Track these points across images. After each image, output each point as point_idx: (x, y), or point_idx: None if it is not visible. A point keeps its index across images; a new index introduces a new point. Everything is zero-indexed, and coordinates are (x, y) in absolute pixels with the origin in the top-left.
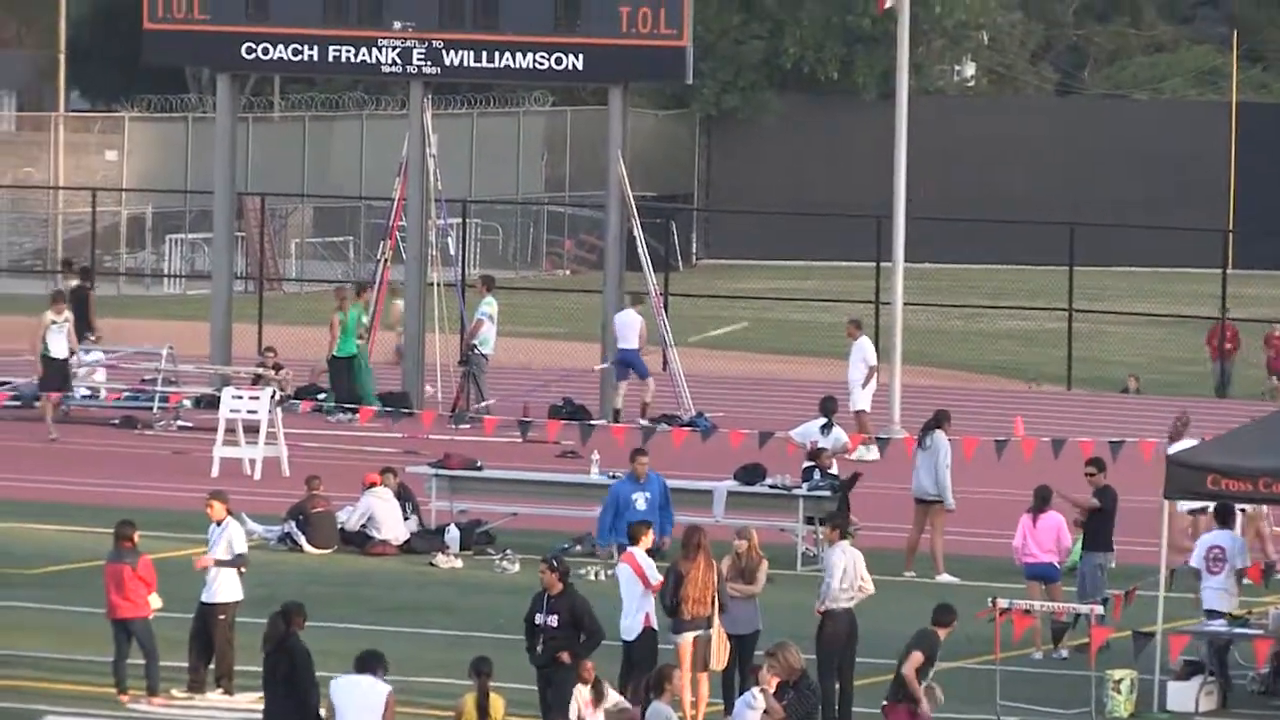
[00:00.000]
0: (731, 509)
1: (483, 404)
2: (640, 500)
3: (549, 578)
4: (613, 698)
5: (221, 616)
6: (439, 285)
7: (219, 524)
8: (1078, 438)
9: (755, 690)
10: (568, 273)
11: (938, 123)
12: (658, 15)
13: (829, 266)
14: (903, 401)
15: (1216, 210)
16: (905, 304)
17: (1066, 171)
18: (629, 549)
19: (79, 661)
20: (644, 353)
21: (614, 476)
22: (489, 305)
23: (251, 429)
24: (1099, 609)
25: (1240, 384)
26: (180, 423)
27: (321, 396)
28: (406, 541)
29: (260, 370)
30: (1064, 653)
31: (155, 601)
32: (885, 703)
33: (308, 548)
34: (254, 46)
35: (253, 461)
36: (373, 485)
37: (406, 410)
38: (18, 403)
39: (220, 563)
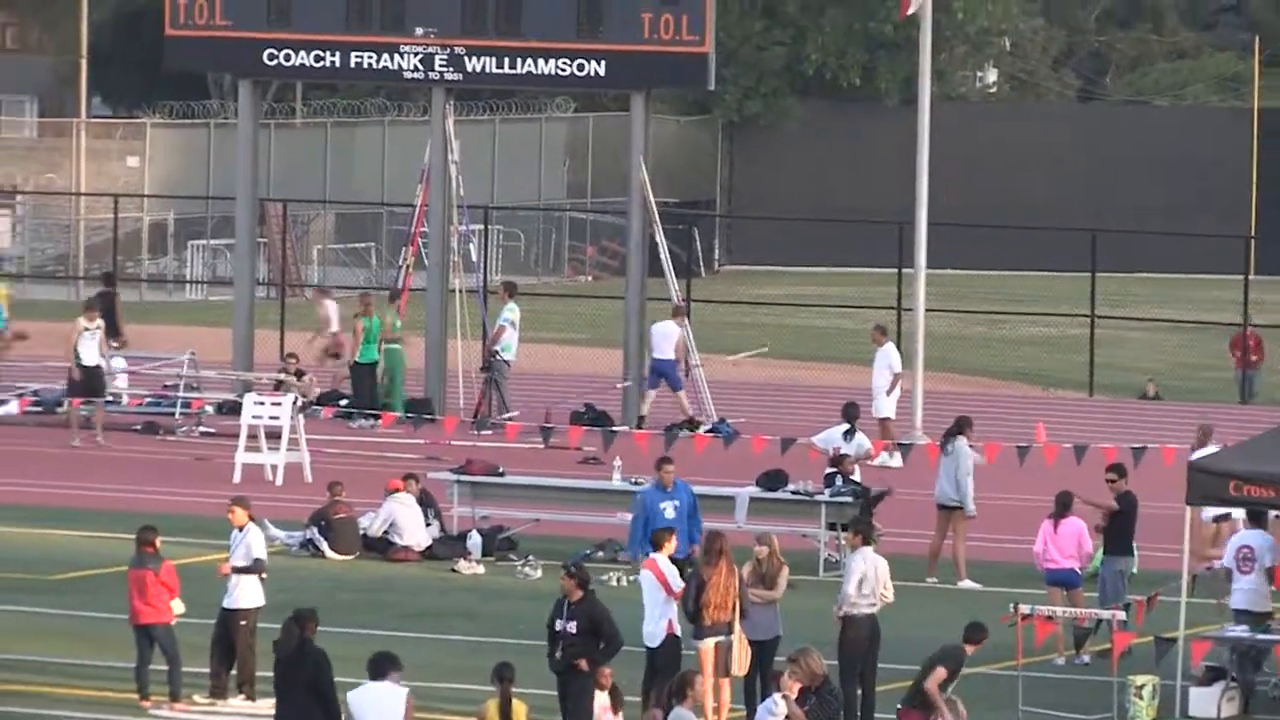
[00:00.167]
0: (754, 515)
1: (506, 415)
2: (669, 509)
3: (568, 584)
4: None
5: (243, 622)
6: (461, 291)
7: (241, 530)
8: (1100, 444)
9: (777, 696)
10: (590, 279)
11: (960, 129)
12: (680, 21)
13: (851, 272)
14: (925, 407)
15: (1238, 216)
16: (927, 310)
17: (1088, 178)
18: (651, 555)
19: (101, 667)
20: (680, 366)
21: (636, 482)
22: (511, 311)
23: (273, 435)
24: (1121, 614)
25: (1264, 390)
26: (202, 428)
27: (343, 403)
28: (428, 547)
29: (282, 376)
30: (1086, 658)
31: (177, 607)
32: (900, 708)
33: (330, 554)
34: (276, 53)
35: (274, 467)
36: (395, 491)
37: (429, 416)
38: (39, 408)
39: (238, 569)
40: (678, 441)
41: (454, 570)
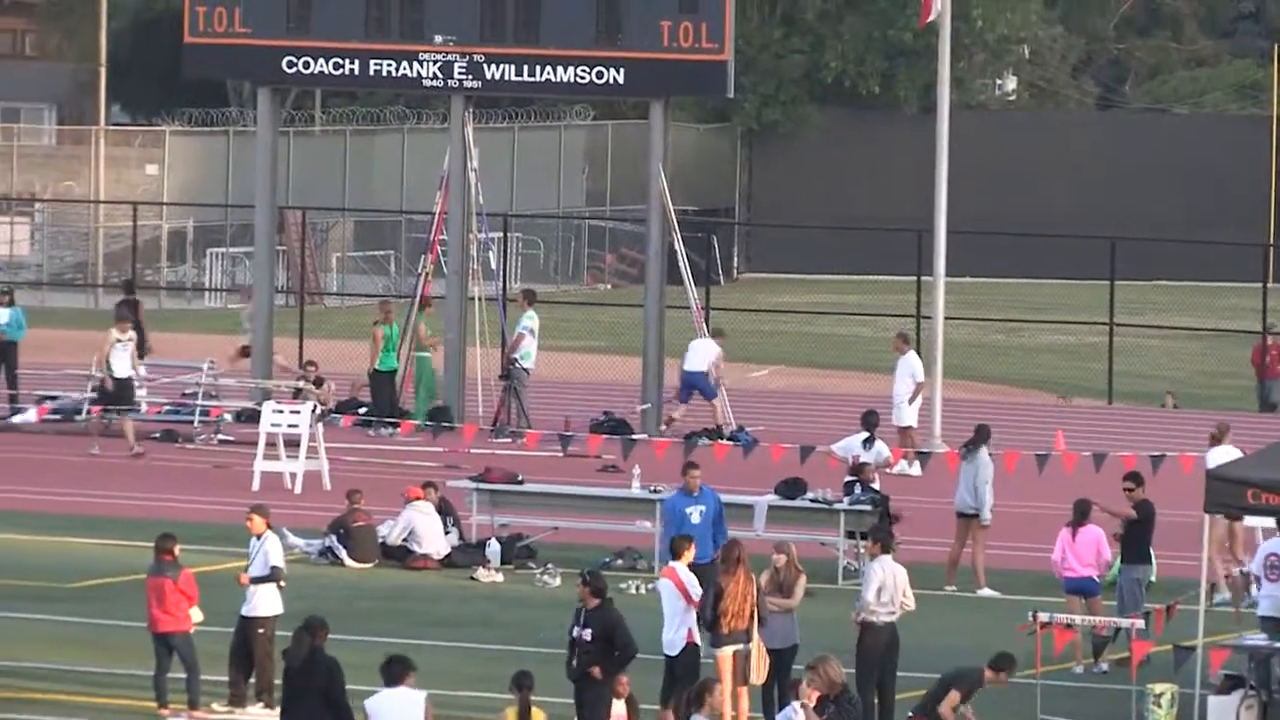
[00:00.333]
0: (773, 523)
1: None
2: (695, 514)
3: (583, 592)
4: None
5: (261, 630)
6: (480, 299)
7: (259, 538)
8: (1118, 452)
9: (795, 705)
10: (609, 287)
11: (979, 137)
12: (699, 29)
13: (870, 280)
14: (944, 416)
15: (1257, 224)
16: (946, 318)
17: (1107, 185)
18: (671, 564)
19: (119, 675)
20: (718, 379)
21: (655, 490)
22: (530, 319)
23: (292, 443)
24: (1139, 623)
25: None
26: (221, 436)
27: (362, 410)
28: (447, 555)
29: (301, 384)
30: (1104, 666)
31: (196, 615)
32: (911, 715)
33: (349, 562)
34: (295, 60)
35: (293, 475)
36: (414, 499)
37: (448, 424)
38: (58, 416)
39: (256, 580)
40: (697, 449)
41: (473, 578)
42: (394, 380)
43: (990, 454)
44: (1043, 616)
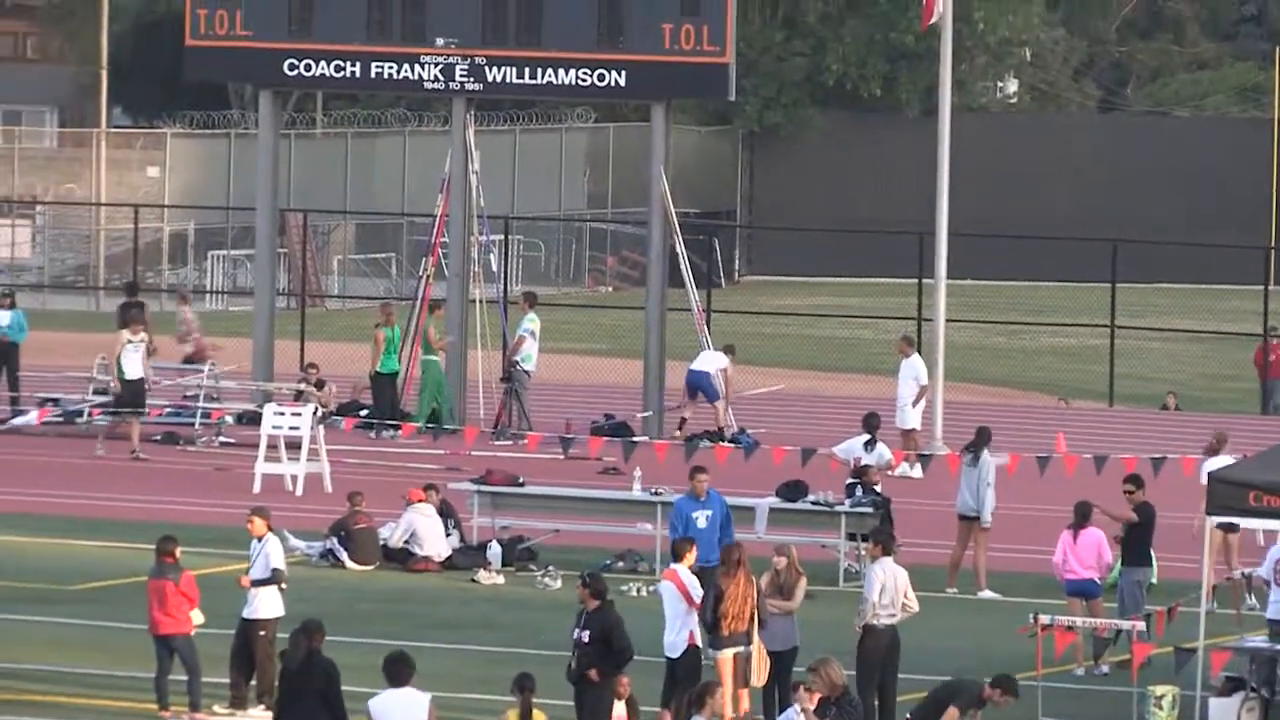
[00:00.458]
0: (774, 525)
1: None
2: (701, 518)
3: (582, 594)
4: None
5: (263, 633)
6: (481, 302)
7: (260, 540)
8: (1120, 454)
9: (796, 708)
10: (610, 289)
11: (980, 139)
12: (700, 32)
13: (872, 283)
14: (945, 418)
15: (1259, 226)
16: (947, 321)
17: (1109, 188)
18: (672, 566)
19: (120, 678)
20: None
21: (656, 493)
22: (531, 322)
23: (293, 445)
24: (1141, 625)
25: None
26: (222, 439)
27: (364, 413)
28: (448, 558)
29: (302, 386)
30: (1105, 668)
31: (197, 617)
32: (909, 716)
33: (350, 564)
34: (296, 63)
35: (294, 478)
36: (415, 502)
37: (449, 427)
38: (60, 419)
39: (257, 582)
40: (699, 451)
41: (474, 580)
42: (395, 383)
43: (992, 456)
44: (1044, 619)
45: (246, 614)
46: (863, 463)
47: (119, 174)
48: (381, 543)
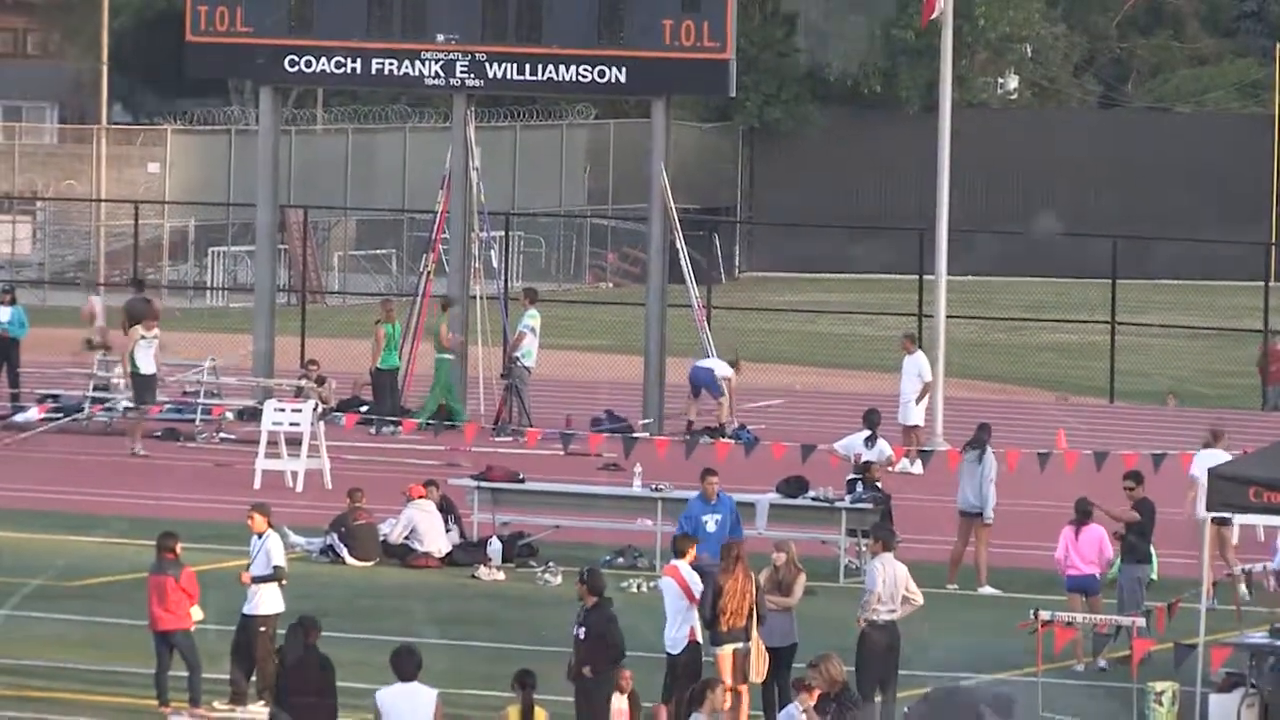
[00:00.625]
0: (774, 521)
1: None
2: (711, 522)
3: (579, 589)
4: None
5: (263, 629)
6: (482, 298)
7: (260, 536)
8: (1120, 450)
9: (796, 705)
10: (610, 285)
11: (981, 136)
12: (701, 28)
13: (872, 279)
14: (945, 414)
15: (1259, 223)
16: (948, 317)
17: (1109, 184)
18: (673, 562)
19: (120, 674)
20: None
21: (656, 489)
22: (532, 318)
23: (293, 441)
24: (1140, 621)
25: None
26: (222, 435)
27: (364, 409)
28: (449, 554)
29: (303, 383)
30: (1103, 663)
31: (197, 614)
32: (906, 710)
33: (350, 560)
34: (297, 59)
35: (295, 474)
36: (416, 498)
37: (449, 423)
38: (60, 414)
39: (257, 579)
40: (698, 448)
41: (474, 577)
42: (396, 379)
43: (995, 452)
44: (1044, 614)
45: (247, 610)
46: (864, 459)
47: (119, 170)
48: (381, 539)
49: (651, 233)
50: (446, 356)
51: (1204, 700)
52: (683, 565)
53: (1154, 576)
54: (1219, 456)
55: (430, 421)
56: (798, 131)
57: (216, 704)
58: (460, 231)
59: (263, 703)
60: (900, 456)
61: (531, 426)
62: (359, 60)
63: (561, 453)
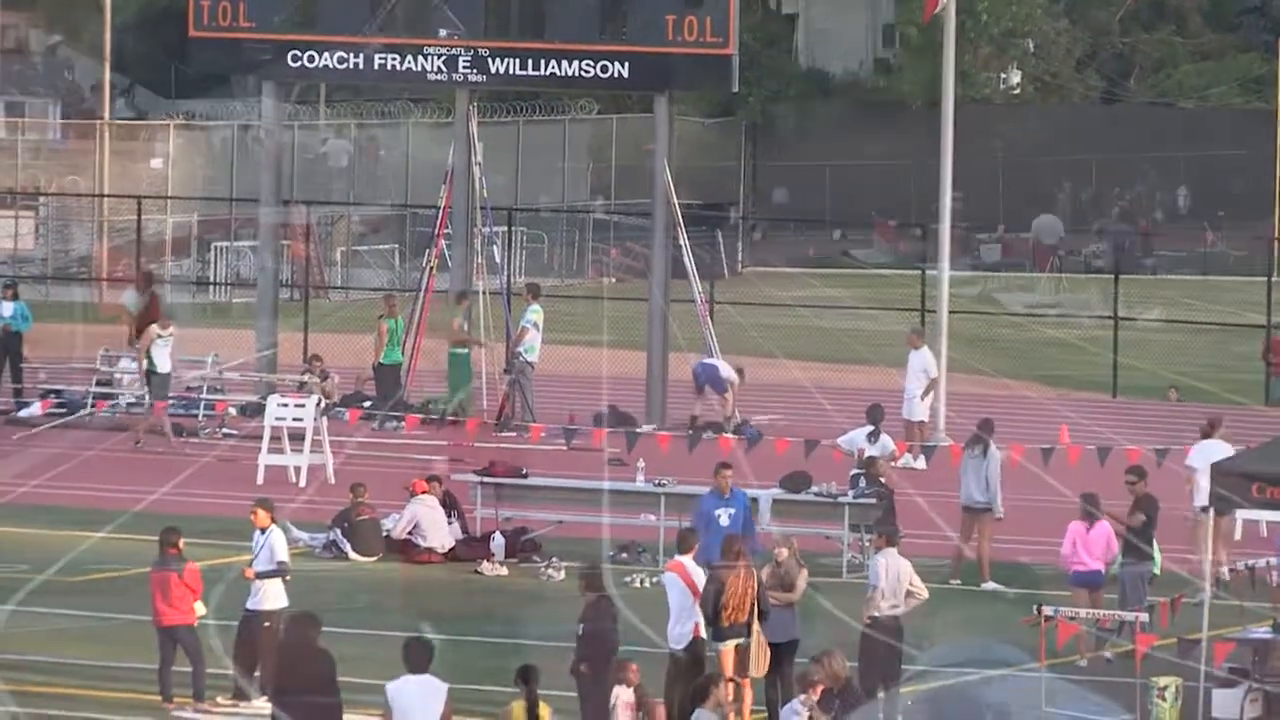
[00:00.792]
0: (777, 517)
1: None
2: (724, 517)
3: (580, 585)
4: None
5: (267, 624)
6: (484, 293)
7: (263, 531)
8: (1123, 445)
9: (799, 700)
10: (613, 280)
11: (983, 131)
12: (703, 23)
13: (874, 274)
14: (948, 409)
15: (1262, 218)
16: (951, 312)
17: (1112, 179)
18: (678, 557)
19: (124, 669)
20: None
21: (660, 484)
22: (535, 313)
23: (297, 436)
24: (1143, 616)
25: None
26: (225, 430)
27: (367, 404)
28: (452, 549)
29: (305, 378)
30: (1108, 655)
31: (200, 609)
32: (909, 704)
33: (353, 555)
34: (300, 54)
35: (298, 469)
36: (419, 493)
37: (452, 418)
38: (64, 409)
39: (261, 574)
40: (701, 443)
41: (477, 572)
42: (398, 374)
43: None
44: (1047, 610)
45: (250, 605)
46: (867, 454)
47: (122, 165)
48: (384, 534)
49: (654, 228)
50: (462, 351)
51: (1207, 695)
52: (687, 560)
53: (1157, 571)
54: (1217, 446)
55: (430, 417)
56: (800, 126)
57: (220, 699)
58: (463, 226)
59: (266, 698)
60: (903, 451)
61: (534, 422)
62: (362, 55)
63: (564, 448)
